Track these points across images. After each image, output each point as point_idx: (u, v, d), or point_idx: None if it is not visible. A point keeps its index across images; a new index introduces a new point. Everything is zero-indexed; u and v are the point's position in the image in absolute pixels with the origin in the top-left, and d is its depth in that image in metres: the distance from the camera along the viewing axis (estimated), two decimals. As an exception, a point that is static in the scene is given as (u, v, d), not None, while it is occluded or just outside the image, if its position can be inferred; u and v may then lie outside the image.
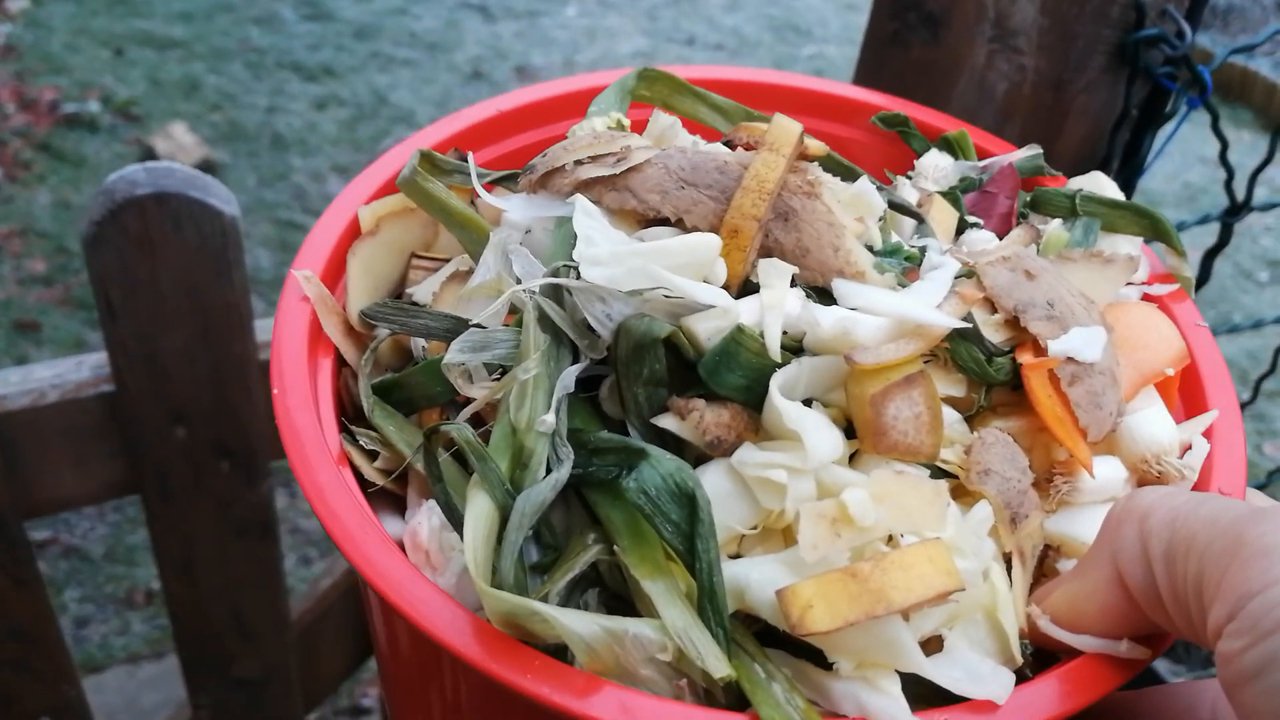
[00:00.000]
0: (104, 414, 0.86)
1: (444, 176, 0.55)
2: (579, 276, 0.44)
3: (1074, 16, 0.65)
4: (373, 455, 0.49)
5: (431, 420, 0.50)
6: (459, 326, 0.48)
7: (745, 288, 0.46)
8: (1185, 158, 2.98)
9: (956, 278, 0.49)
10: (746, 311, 0.44)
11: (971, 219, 0.56)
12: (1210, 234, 0.73)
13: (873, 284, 0.46)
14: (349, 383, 0.51)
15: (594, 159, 0.49)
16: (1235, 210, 0.72)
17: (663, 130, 0.54)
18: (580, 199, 0.47)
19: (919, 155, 0.63)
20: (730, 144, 0.53)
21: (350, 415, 0.52)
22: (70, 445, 0.87)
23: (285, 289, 0.50)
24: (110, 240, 0.76)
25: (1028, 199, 0.58)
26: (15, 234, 2.40)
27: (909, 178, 0.61)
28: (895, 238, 0.51)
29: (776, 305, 0.43)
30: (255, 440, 0.92)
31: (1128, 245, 0.56)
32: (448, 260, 0.55)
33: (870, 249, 0.49)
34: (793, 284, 0.45)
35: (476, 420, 0.47)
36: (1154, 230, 0.56)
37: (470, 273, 0.52)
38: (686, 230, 0.46)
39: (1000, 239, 0.56)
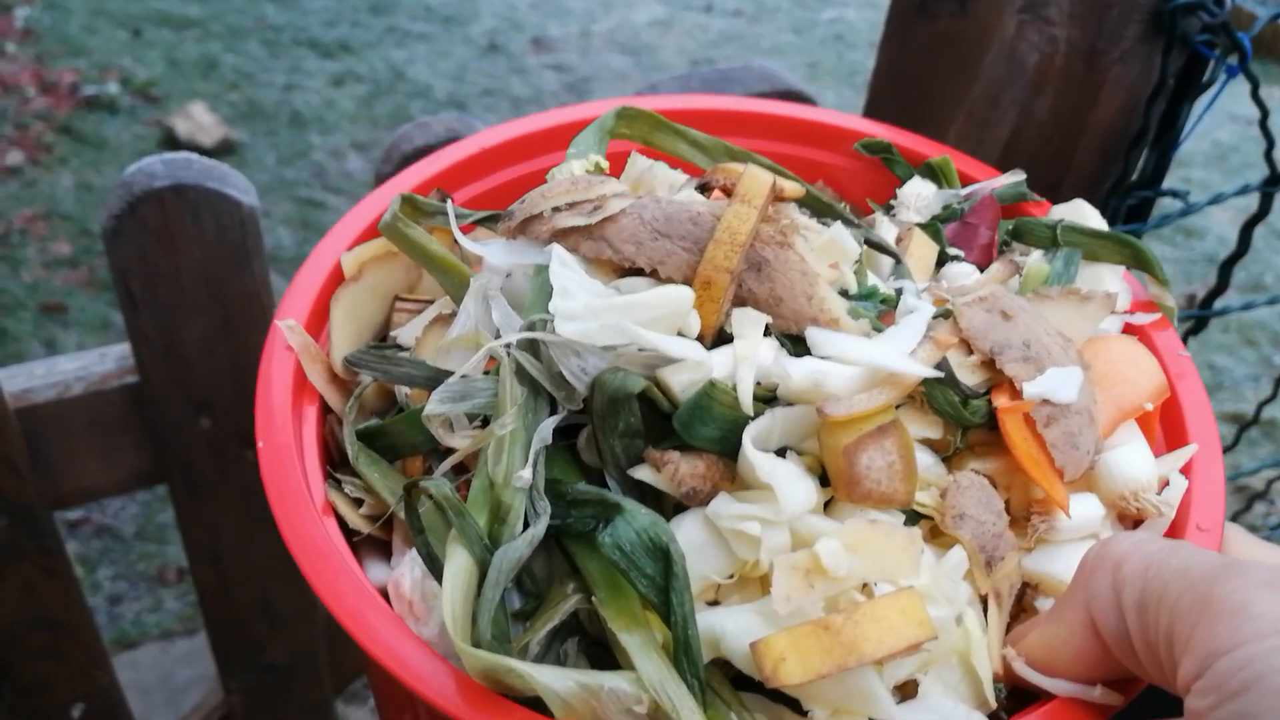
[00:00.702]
0: (128, 405, 0.87)
1: (426, 219, 0.56)
2: (555, 329, 0.44)
3: None
4: (358, 502, 0.50)
5: (415, 468, 0.50)
6: (440, 376, 0.49)
7: (720, 337, 0.46)
8: (1215, 115, 2.92)
9: (934, 318, 0.49)
10: (720, 363, 0.44)
11: (952, 250, 0.56)
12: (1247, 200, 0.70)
13: (847, 331, 0.46)
14: (334, 428, 0.52)
15: (571, 206, 0.50)
16: (1277, 179, 0.70)
17: (640, 174, 0.54)
18: (557, 248, 0.47)
19: (902, 182, 0.63)
20: (707, 185, 0.53)
21: (336, 460, 0.52)
22: (96, 436, 0.88)
23: (270, 338, 0.51)
24: (129, 233, 0.76)
25: (1010, 228, 0.58)
26: (39, 217, 2.42)
27: (891, 207, 0.61)
28: (872, 279, 0.51)
29: (749, 357, 0.44)
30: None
31: (1110, 274, 0.56)
32: (431, 302, 0.56)
33: (845, 293, 0.49)
34: (767, 332, 0.46)
35: (461, 467, 0.48)
36: (1136, 259, 0.56)
37: (453, 315, 0.53)
38: (661, 280, 0.47)
39: (981, 271, 0.56)
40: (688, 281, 0.46)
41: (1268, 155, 0.69)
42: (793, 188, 0.51)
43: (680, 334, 0.45)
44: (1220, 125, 2.89)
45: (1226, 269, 0.73)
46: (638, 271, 0.47)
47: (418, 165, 0.60)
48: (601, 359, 0.44)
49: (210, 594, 1.06)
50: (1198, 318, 0.78)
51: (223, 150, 2.61)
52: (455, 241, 0.57)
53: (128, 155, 2.58)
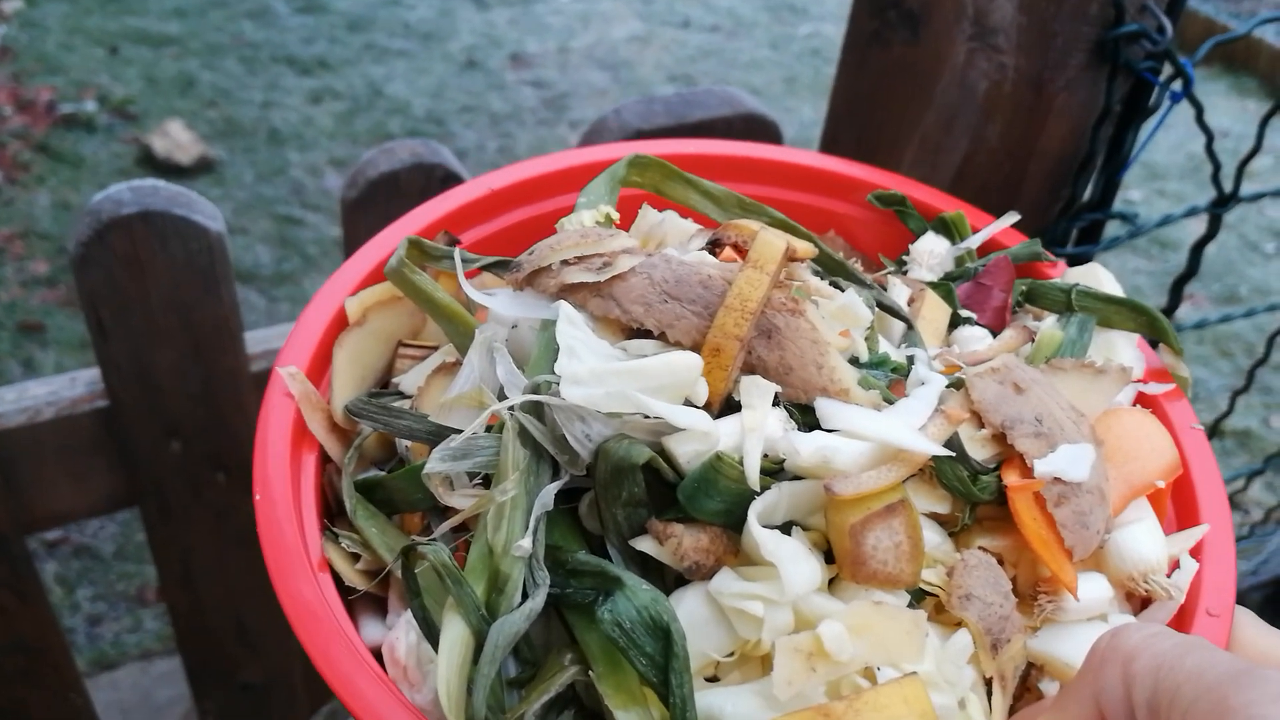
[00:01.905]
0: (99, 429, 0.87)
1: (433, 263, 0.55)
2: (560, 393, 0.44)
3: (1052, 15, 0.64)
4: (355, 556, 0.49)
5: (414, 524, 0.50)
6: (442, 432, 0.48)
7: (728, 404, 0.45)
8: (1190, 128, 2.90)
9: (945, 387, 0.48)
10: (727, 433, 0.43)
11: (965, 313, 0.55)
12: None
13: (857, 402, 0.45)
14: (333, 477, 0.51)
15: (580, 260, 0.49)
16: (1223, 201, 0.72)
17: (651, 227, 0.53)
18: (564, 306, 0.47)
19: (915, 234, 0.62)
20: (718, 242, 0.52)
21: (334, 510, 0.52)
22: (67, 461, 0.88)
23: (270, 385, 0.50)
24: (98, 260, 0.77)
25: (1024, 290, 0.57)
26: (17, 236, 2.41)
27: (903, 262, 0.60)
28: (883, 345, 0.50)
29: (757, 428, 0.43)
30: (249, 452, 0.93)
31: (1124, 341, 0.55)
32: (435, 348, 0.55)
33: (856, 361, 0.48)
34: (776, 402, 0.45)
35: (462, 526, 0.47)
36: (1151, 327, 0.55)
37: (457, 364, 0.52)
38: (669, 343, 0.46)
39: (994, 334, 0.55)
40: (696, 346, 0.45)
41: (1214, 178, 0.70)
42: (805, 248, 0.50)
43: (688, 401, 0.44)
44: (1195, 138, 2.88)
45: (1178, 288, 0.75)
46: (646, 332, 0.46)
47: (425, 206, 0.59)
48: (607, 426, 0.43)
49: (183, 616, 1.05)
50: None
51: (201, 168, 2.60)
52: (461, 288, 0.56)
53: (105, 173, 2.56)
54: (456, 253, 0.52)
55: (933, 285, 0.56)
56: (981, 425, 0.47)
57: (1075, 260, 0.76)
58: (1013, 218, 0.61)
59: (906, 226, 0.62)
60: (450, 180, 0.83)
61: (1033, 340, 0.54)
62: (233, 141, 2.72)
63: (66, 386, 0.86)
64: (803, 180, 0.64)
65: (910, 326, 0.51)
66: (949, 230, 0.61)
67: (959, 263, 0.60)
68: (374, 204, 0.82)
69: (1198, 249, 0.73)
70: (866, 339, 0.49)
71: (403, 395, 0.54)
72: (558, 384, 0.44)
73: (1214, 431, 0.93)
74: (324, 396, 0.52)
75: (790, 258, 0.50)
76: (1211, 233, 0.72)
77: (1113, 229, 0.77)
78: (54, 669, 0.99)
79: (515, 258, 0.55)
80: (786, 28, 3.49)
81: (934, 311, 0.54)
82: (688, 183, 0.56)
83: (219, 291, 0.82)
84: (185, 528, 0.97)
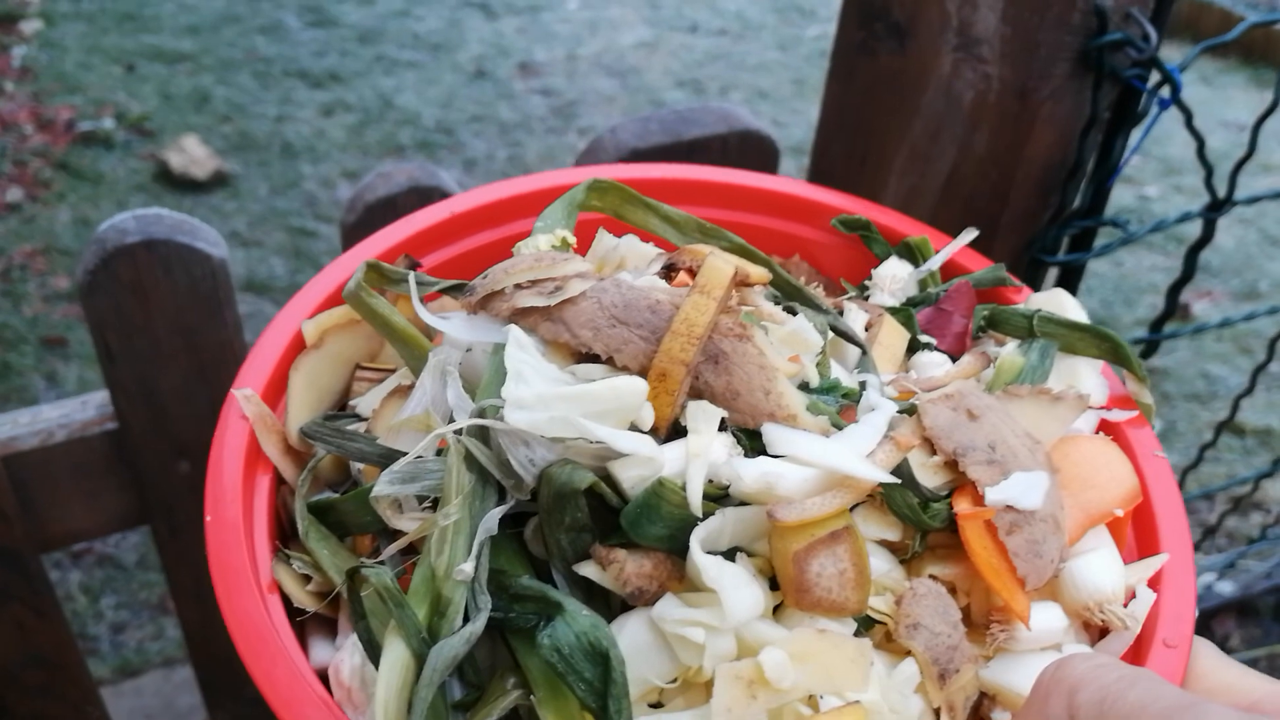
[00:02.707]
0: (110, 451, 0.89)
1: (392, 286, 0.55)
2: (505, 418, 0.43)
3: (1035, 25, 0.64)
4: (307, 578, 0.49)
5: (364, 546, 0.49)
6: (392, 455, 0.48)
7: (674, 429, 0.45)
8: (1205, 122, 2.87)
9: (898, 413, 0.48)
10: (671, 458, 0.43)
11: (925, 338, 0.55)
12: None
13: (805, 427, 0.45)
14: (287, 499, 0.51)
15: (533, 284, 0.49)
16: (1217, 206, 0.71)
17: (606, 252, 0.53)
18: (515, 330, 0.46)
19: (880, 259, 0.62)
20: (673, 267, 0.52)
21: (289, 532, 0.51)
22: (79, 481, 0.90)
23: (225, 408, 0.50)
24: (104, 288, 0.79)
25: (985, 315, 0.57)
26: (39, 252, 2.43)
27: (866, 288, 0.60)
28: (836, 370, 0.50)
29: (701, 454, 0.43)
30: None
31: (1087, 368, 0.55)
32: (392, 371, 0.55)
33: (806, 386, 0.48)
34: (723, 427, 0.45)
35: (412, 547, 0.47)
36: (1114, 354, 0.54)
37: (413, 387, 0.52)
38: (617, 368, 0.46)
39: (953, 360, 0.55)
40: (643, 371, 0.45)
41: (1207, 182, 0.70)
42: (758, 273, 0.50)
43: (634, 426, 0.44)
44: (1211, 131, 2.86)
45: (1174, 293, 0.75)
46: (596, 356, 0.46)
47: (387, 230, 0.59)
48: (550, 450, 0.43)
49: (195, 629, 1.07)
50: (1149, 342, 0.80)
51: (216, 182, 2.63)
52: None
53: (124, 189, 2.60)
54: (411, 276, 0.52)
55: (893, 310, 0.56)
56: (933, 452, 0.47)
57: (1068, 268, 0.76)
58: (970, 234, 0.60)
59: (871, 251, 0.62)
60: None
61: (992, 365, 0.53)
62: (247, 155, 2.75)
63: (78, 409, 0.88)
64: (768, 205, 0.63)
65: (865, 352, 0.51)
66: (913, 255, 0.61)
67: (922, 286, 0.59)
68: (372, 228, 0.83)
69: (1193, 253, 0.73)
70: (818, 364, 0.49)
71: (359, 418, 0.54)
72: (504, 408, 0.44)
73: (1232, 429, 0.94)
74: (280, 419, 0.52)
75: (743, 282, 0.50)
76: (1206, 236, 0.72)
77: (1106, 234, 0.78)
78: (73, 682, 1.01)
79: (469, 283, 0.55)
80: (794, 29, 3.50)
81: (891, 337, 0.53)
82: (647, 207, 0.56)
83: (223, 315, 0.84)
84: (195, 544, 0.99)
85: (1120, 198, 2.63)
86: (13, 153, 2.71)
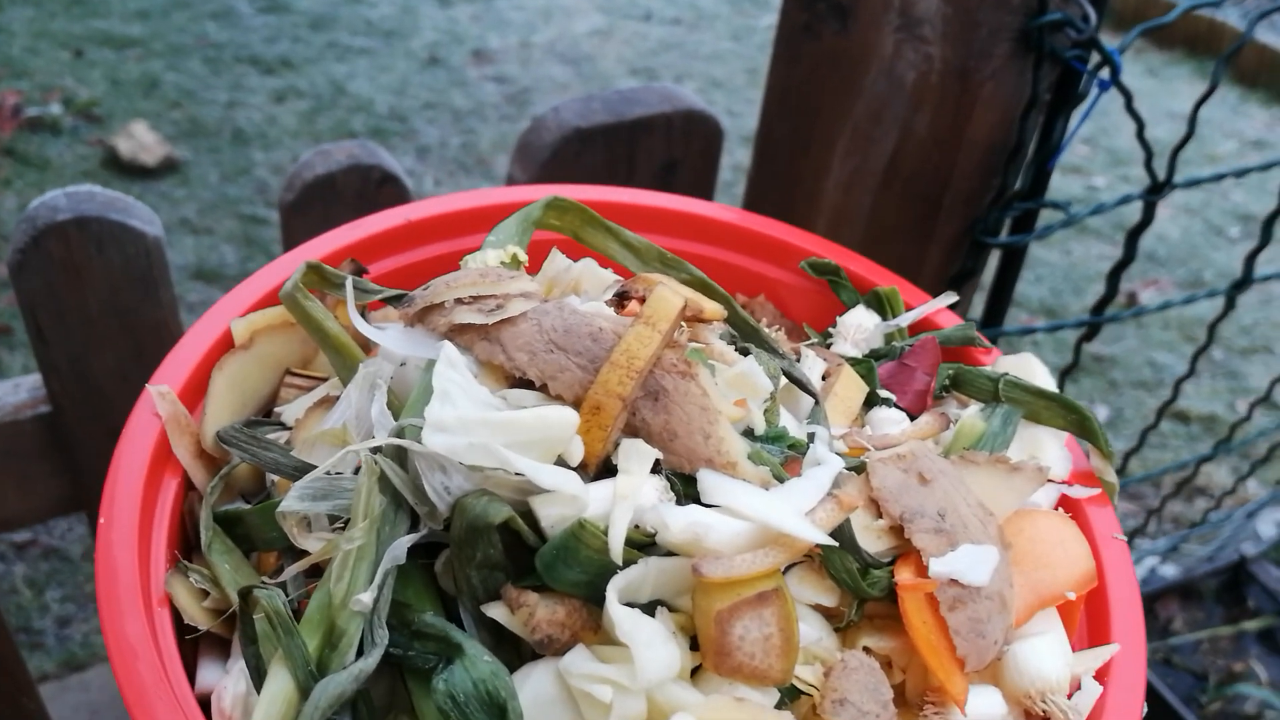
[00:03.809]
0: (43, 435, 0.86)
1: (333, 290, 0.52)
2: (423, 440, 0.41)
3: (976, 4, 0.63)
4: (205, 593, 0.46)
5: (269, 563, 0.46)
6: (306, 469, 0.45)
7: (605, 467, 0.42)
8: (1152, 113, 2.86)
9: (846, 469, 0.45)
10: (598, 498, 0.40)
11: (884, 393, 0.53)
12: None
13: (744, 477, 0.42)
14: (195, 506, 0.48)
15: (474, 299, 0.46)
16: (1157, 189, 0.71)
17: (557, 273, 0.50)
18: (448, 346, 0.44)
19: (847, 306, 0.60)
20: (626, 295, 0.49)
21: (194, 541, 0.48)
22: (11, 466, 0.87)
23: (138, 405, 0.47)
24: (35, 266, 0.76)
25: (950, 375, 0.55)
26: None
27: (829, 335, 0.57)
28: (785, 418, 0.47)
29: (629, 496, 0.40)
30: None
31: (1050, 439, 0.52)
32: (324, 379, 0.52)
33: (750, 433, 0.45)
34: (657, 468, 0.42)
35: (319, 570, 0.44)
36: (1081, 427, 0.52)
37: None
38: (550, 396, 0.43)
39: (912, 418, 0.52)
40: (578, 402, 0.42)
41: (1147, 165, 0.70)
42: (712, 308, 0.47)
43: (561, 460, 0.41)
44: (1158, 123, 2.85)
45: (1114, 276, 0.74)
46: (530, 382, 0.44)
47: (337, 231, 0.56)
48: (468, 479, 0.40)
49: None
50: (1091, 325, 0.80)
51: (166, 169, 2.60)
52: (364, 313, 0.54)
53: (71, 176, 2.55)
54: (349, 280, 0.49)
55: (853, 361, 0.53)
56: (879, 514, 0.44)
57: (1009, 250, 0.75)
58: (949, 298, 0.58)
59: (839, 298, 0.60)
60: (388, 182, 0.82)
61: (951, 427, 0.51)
62: (197, 142, 2.72)
63: (9, 393, 0.85)
64: (736, 240, 0.61)
65: (817, 402, 0.48)
66: (881, 305, 0.58)
67: (887, 339, 0.57)
68: (311, 207, 0.81)
69: (1133, 236, 0.72)
70: (766, 411, 0.46)
71: (283, 426, 0.51)
72: (423, 429, 0.41)
73: (1177, 416, 0.94)
74: (197, 420, 0.49)
75: (696, 317, 0.48)
76: (1146, 219, 0.72)
77: (1046, 217, 0.77)
78: (7, 674, 0.97)
79: (410, 291, 0.53)
80: (748, 19, 3.51)
81: (848, 389, 0.51)
82: (608, 231, 0.54)
83: (158, 294, 0.81)
84: None
85: (1069, 188, 2.64)
86: (-44, 138, 2.68)
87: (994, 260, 0.79)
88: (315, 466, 0.44)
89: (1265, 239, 0.80)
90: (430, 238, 0.58)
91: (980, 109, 0.67)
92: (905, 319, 0.57)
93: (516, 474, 0.40)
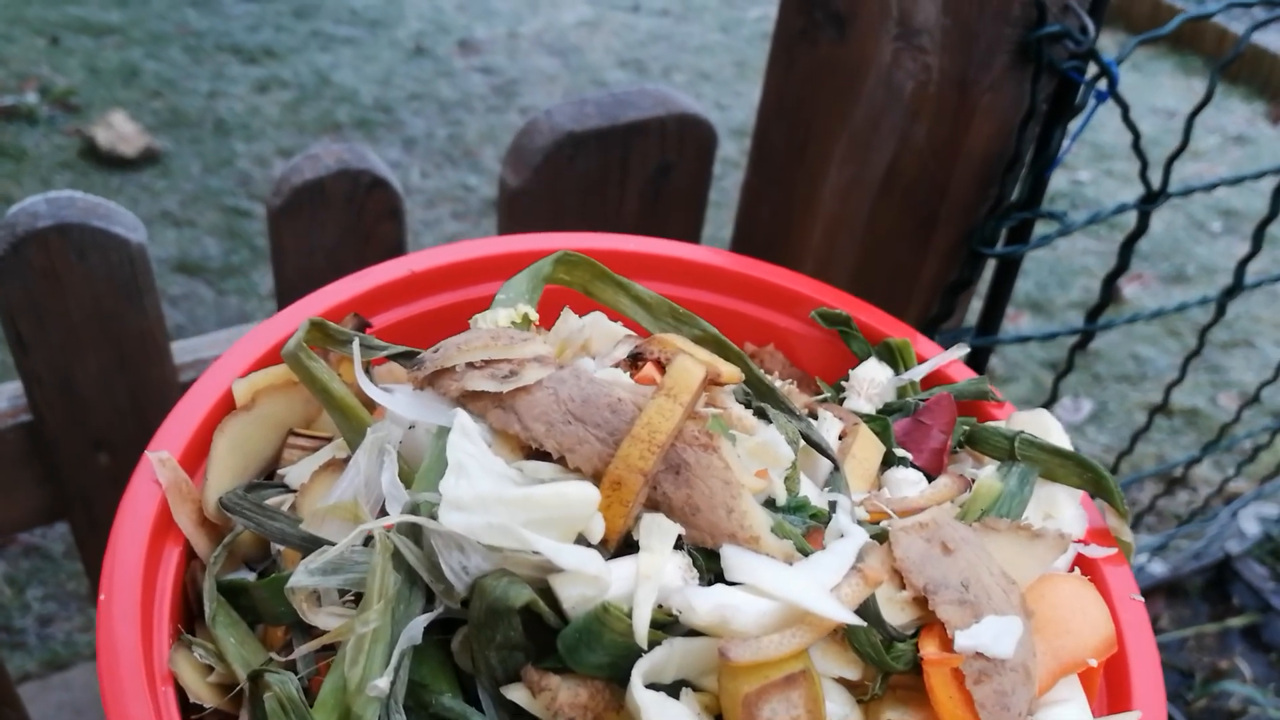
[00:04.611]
0: (25, 443, 0.85)
1: (337, 347, 0.51)
2: (439, 518, 0.39)
3: (975, 15, 0.63)
4: (209, 668, 0.44)
5: (276, 638, 0.45)
6: (314, 542, 0.44)
7: (626, 542, 0.41)
8: (1138, 109, 2.88)
9: (869, 536, 0.45)
10: (620, 577, 0.39)
11: (900, 452, 0.52)
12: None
13: (767, 551, 0.41)
14: (197, 575, 0.47)
15: (487, 364, 0.45)
16: (1151, 198, 0.72)
17: (570, 334, 0.49)
18: (461, 416, 0.43)
19: (858, 357, 0.59)
20: (640, 356, 0.49)
21: (196, 612, 0.47)
22: None
23: (136, 471, 0.46)
24: (15, 273, 0.74)
25: (965, 432, 0.54)
26: None
27: (841, 389, 0.57)
28: (805, 486, 0.46)
29: (652, 576, 0.39)
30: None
31: (1066, 497, 0.52)
32: (329, 439, 0.51)
33: (772, 503, 0.44)
34: (679, 544, 0.41)
35: (329, 644, 0.43)
36: (1096, 486, 0.51)
37: (348, 461, 0.48)
38: (569, 469, 0.42)
39: (929, 478, 0.52)
40: (597, 475, 0.41)
41: (1142, 175, 0.70)
42: (730, 371, 0.47)
43: (581, 536, 0.40)
44: (1143, 118, 2.88)
45: (1109, 284, 0.75)
46: (547, 453, 0.43)
47: (338, 284, 0.55)
48: (486, 559, 0.39)
49: None
50: (1085, 332, 0.80)
51: (146, 160, 2.55)
52: (367, 368, 0.52)
53: (48, 167, 2.51)
54: (356, 343, 0.48)
55: (869, 419, 0.53)
56: (903, 586, 0.43)
57: (1005, 260, 0.75)
58: (961, 350, 0.58)
59: (850, 348, 0.59)
60: (378, 187, 0.80)
61: (968, 490, 0.50)
62: (178, 132, 2.67)
63: None
64: (745, 289, 0.60)
65: (836, 467, 0.47)
66: (893, 356, 0.58)
67: (900, 393, 0.56)
68: (300, 212, 0.80)
69: (1128, 244, 0.73)
70: (787, 479, 0.45)
71: (287, 489, 0.49)
72: (439, 506, 0.40)
73: (1161, 410, 0.98)
74: (198, 485, 0.47)
75: (713, 381, 0.47)
76: (1141, 228, 0.72)
77: (1042, 228, 0.76)
78: None
79: (420, 353, 0.52)
80: (736, 11, 3.50)
81: (866, 449, 0.50)
82: (618, 286, 0.53)
83: (142, 303, 0.80)
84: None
85: (1053, 183, 2.65)
86: (-72, 127, 2.63)
87: (988, 268, 0.79)
88: (325, 542, 0.43)
89: (1256, 247, 0.80)
90: (434, 288, 0.57)
91: (979, 119, 0.67)
92: (918, 372, 0.56)
93: (536, 554, 0.39)
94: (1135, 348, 2.20)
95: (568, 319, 0.50)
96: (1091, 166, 2.76)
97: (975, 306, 0.82)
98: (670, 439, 0.41)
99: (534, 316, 0.50)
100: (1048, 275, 2.37)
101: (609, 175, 0.82)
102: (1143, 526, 1.75)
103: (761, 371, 0.50)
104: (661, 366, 0.48)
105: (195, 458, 0.48)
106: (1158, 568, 1.56)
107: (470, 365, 0.45)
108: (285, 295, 0.83)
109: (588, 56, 3.18)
